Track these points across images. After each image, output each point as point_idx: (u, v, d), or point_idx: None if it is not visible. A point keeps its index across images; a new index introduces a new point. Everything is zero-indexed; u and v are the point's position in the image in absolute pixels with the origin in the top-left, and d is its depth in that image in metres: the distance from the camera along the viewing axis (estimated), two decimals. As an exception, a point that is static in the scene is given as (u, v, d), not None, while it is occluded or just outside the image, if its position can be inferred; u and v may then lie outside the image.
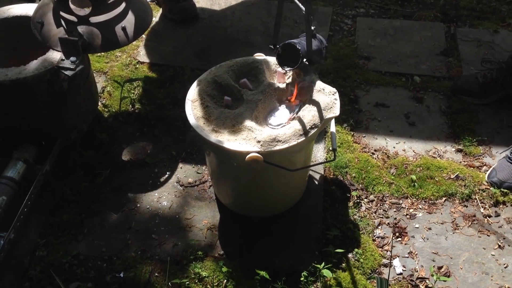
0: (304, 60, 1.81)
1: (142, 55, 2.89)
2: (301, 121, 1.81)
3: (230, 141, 1.77)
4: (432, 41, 2.95)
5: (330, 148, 2.36)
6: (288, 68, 1.83)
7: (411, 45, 2.93)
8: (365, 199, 2.20)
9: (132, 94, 2.64)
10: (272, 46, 1.88)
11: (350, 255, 2.00)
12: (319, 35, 1.96)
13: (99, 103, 2.56)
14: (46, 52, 2.08)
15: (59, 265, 1.98)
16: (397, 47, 2.92)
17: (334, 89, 1.93)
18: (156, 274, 1.95)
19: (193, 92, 1.94)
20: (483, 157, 2.35)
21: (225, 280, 1.91)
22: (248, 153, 1.73)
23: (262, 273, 1.88)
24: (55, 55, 2.06)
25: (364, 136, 2.47)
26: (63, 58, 2.03)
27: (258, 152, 1.73)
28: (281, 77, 1.97)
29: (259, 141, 1.75)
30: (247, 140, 1.77)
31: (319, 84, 1.93)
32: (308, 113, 1.83)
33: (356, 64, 2.82)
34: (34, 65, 2.02)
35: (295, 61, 1.80)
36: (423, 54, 2.87)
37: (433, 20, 3.12)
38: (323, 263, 1.90)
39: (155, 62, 2.85)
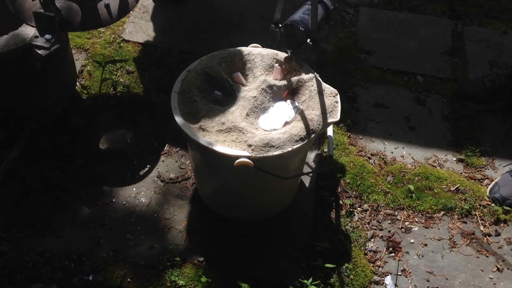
0: (308, 40, 1.65)
1: (128, 33, 2.67)
2: (297, 125, 1.64)
3: (218, 143, 1.60)
4: (437, 38, 2.78)
5: (325, 151, 2.20)
6: (290, 51, 1.68)
7: (415, 41, 2.76)
8: (359, 208, 2.05)
9: (115, 76, 2.43)
10: (273, 26, 1.70)
11: (339, 270, 1.85)
12: None
13: (77, 84, 2.35)
14: (18, 27, 1.86)
15: (22, 263, 1.81)
16: (400, 42, 2.75)
17: (335, 91, 1.76)
18: (129, 279, 1.79)
19: (180, 84, 1.75)
20: (485, 169, 2.22)
21: (203, 291, 1.76)
22: (238, 157, 1.56)
23: (244, 286, 1.73)
24: (28, 31, 1.85)
25: (361, 138, 2.31)
26: (37, 35, 1.81)
27: (248, 157, 1.56)
28: (278, 73, 1.79)
29: (250, 145, 1.58)
30: (237, 142, 1.60)
31: (319, 84, 1.76)
32: (306, 117, 1.66)
33: (357, 58, 2.64)
34: (3, 41, 1.81)
35: (298, 43, 1.63)
36: (427, 52, 2.70)
37: (440, 15, 2.94)
38: (310, 279, 1.76)
39: (141, 42, 2.63)
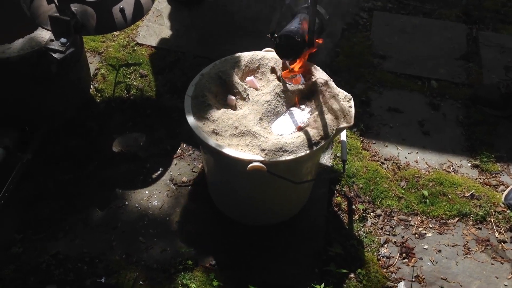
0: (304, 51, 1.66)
1: (142, 37, 2.69)
2: (311, 130, 1.63)
3: (231, 147, 1.60)
4: (452, 43, 2.76)
5: (338, 155, 2.19)
6: (287, 60, 1.68)
7: (429, 46, 2.74)
8: (372, 213, 2.04)
9: (128, 79, 2.45)
10: (269, 35, 1.69)
11: (352, 275, 1.84)
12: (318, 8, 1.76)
13: (91, 87, 2.37)
14: (34, 30, 1.88)
15: (35, 264, 1.82)
16: (414, 47, 2.73)
17: (349, 95, 1.75)
18: (141, 282, 1.79)
19: (194, 87, 1.76)
20: (500, 175, 2.19)
21: (215, 295, 1.76)
22: (251, 161, 1.56)
23: (256, 290, 1.72)
24: (43, 35, 1.87)
25: (374, 143, 2.29)
26: (53, 38, 1.83)
27: (261, 162, 1.55)
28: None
29: (263, 149, 1.58)
30: (250, 146, 1.60)
31: (333, 88, 1.75)
32: (319, 121, 1.65)
33: (370, 63, 2.63)
34: (19, 44, 1.83)
35: (295, 52, 1.63)
36: (442, 57, 2.68)
37: (455, 20, 2.92)
38: (323, 284, 1.75)
39: (154, 46, 2.65)
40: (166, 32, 2.72)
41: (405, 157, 2.24)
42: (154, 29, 2.74)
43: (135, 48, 2.63)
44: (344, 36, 2.78)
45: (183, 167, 2.14)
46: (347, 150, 2.21)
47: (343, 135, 1.86)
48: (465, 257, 1.92)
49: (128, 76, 2.47)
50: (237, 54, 1.86)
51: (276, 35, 1.64)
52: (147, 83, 2.46)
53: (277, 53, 1.68)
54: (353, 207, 2.05)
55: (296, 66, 1.74)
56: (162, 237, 1.93)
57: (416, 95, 2.49)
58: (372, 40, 2.76)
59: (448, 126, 2.36)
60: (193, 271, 1.82)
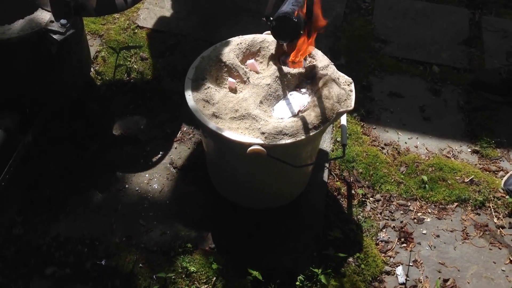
0: (301, 32, 1.63)
1: (142, 19, 2.67)
2: (311, 114, 1.63)
3: (231, 130, 1.60)
4: (454, 28, 2.74)
5: (338, 140, 2.19)
6: (285, 42, 1.66)
7: (432, 30, 2.72)
8: (371, 198, 2.04)
9: (129, 62, 2.44)
10: (264, 19, 1.66)
11: (350, 259, 1.85)
12: None
13: (92, 69, 2.36)
14: (34, 11, 1.87)
15: (36, 246, 1.83)
16: (417, 32, 2.71)
17: (350, 79, 1.75)
18: (141, 264, 1.81)
19: (194, 70, 1.75)
20: (500, 160, 2.19)
21: (214, 278, 1.77)
22: (250, 145, 1.56)
23: (255, 273, 1.74)
24: (43, 16, 1.85)
25: (375, 128, 2.29)
26: (53, 19, 1.82)
27: (261, 145, 1.55)
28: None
29: (263, 133, 1.58)
30: (250, 130, 1.60)
31: (334, 72, 1.75)
32: (320, 105, 1.65)
33: (372, 47, 2.62)
34: (19, 25, 1.81)
35: (292, 34, 1.61)
36: (444, 42, 2.66)
37: (458, 4, 2.89)
38: (321, 268, 1.76)
39: (155, 28, 2.63)
40: (167, 15, 2.71)
41: (405, 142, 2.24)
42: (155, 11, 2.72)
43: (136, 31, 2.61)
44: (346, 20, 2.77)
45: (183, 151, 2.15)
46: (347, 134, 2.21)
47: (343, 120, 1.86)
48: (463, 242, 1.93)
49: (129, 59, 2.46)
50: (238, 37, 1.85)
51: (271, 18, 1.61)
52: (147, 66, 2.45)
53: (274, 36, 1.66)
54: (353, 191, 2.05)
55: (304, 49, 1.73)
56: (162, 220, 1.94)
57: (417, 80, 2.49)
58: (374, 24, 2.74)
59: (449, 112, 2.35)
60: (193, 254, 1.84)
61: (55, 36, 1.79)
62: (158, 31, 2.62)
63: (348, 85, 1.72)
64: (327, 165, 2.10)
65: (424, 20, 2.78)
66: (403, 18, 2.79)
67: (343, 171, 2.10)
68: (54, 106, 2.06)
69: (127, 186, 2.03)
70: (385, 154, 2.19)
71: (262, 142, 1.56)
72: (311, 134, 1.59)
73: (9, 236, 1.85)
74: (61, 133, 2.13)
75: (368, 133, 2.27)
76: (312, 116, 1.62)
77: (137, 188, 2.02)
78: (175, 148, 2.16)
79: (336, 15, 2.77)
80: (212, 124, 1.61)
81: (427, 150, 2.21)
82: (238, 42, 1.82)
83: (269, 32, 1.86)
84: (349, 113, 2.27)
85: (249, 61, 1.79)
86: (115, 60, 2.38)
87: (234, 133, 1.59)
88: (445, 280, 1.83)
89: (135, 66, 2.43)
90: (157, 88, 2.36)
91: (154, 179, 2.05)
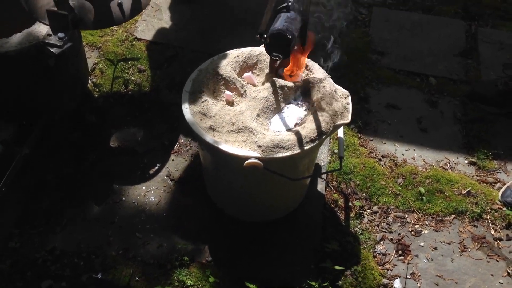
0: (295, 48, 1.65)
1: (140, 31, 2.68)
2: (308, 126, 1.63)
3: (228, 143, 1.60)
4: (451, 40, 2.76)
5: (336, 151, 2.19)
6: (278, 58, 1.66)
7: (428, 42, 2.74)
8: (368, 210, 2.04)
9: (126, 74, 2.44)
10: (258, 36, 1.66)
11: (348, 272, 1.85)
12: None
13: (90, 81, 2.37)
14: (32, 25, 1.88)
15: (32, 259, 1.83)
16: (413, 44, 2.73)
17: (346, 92, 1.75)
18: (137, 278, 1.80)
19: (191, 83, 1.76)
20: (497, 172, 2.19)
21: (211, 291, 1.76)
22: (247, 158, 1.56)
23: (252, 286, 1.73)
24: (41, 29, 1.86)
25: (372, 140, 2.29)
26: (50, 33, 1.83)
27: (258, 158, 1.56)
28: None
29: (260, 146, 1.58)
30: (247, 143, 1.60)
31: (331, 85, 1.75)
32: (317, 118, 1.65)
33: (369, 59, 2.63)
34: (17, 39, 1.82)
35: (285, 50, 1.61)
36: (440, 54, 2.68)
37: (454, 16, 2.91)
38: (319, 280, 1.76)
39: (153, 40, 2.64)
40: (165, 26, 2.72)
41: (403, 154, 2.24)
42: (153, 23, 2.73)
43: (134, 42, 2.62)
44: (343, 31, 2.77)
45: (180, 163, 2.15)
46: (345, 146, 2.22)
47: (340, 132, 1.86)
48: (460, 255, 1.93)
49: (127, 71, 2.46)
50: (235, 50, 1.85)
51: (265, 35, 1.62)
52: (145, 78, 2.46)
53: (268, 53, 1.67)
54: (350, 203, 2.05)
55: (300, 62, 1.74)
56: (158, 232, 1.93)
57: (414, 92, 2.50)
58: (371, 36, 2.76)
59: (446, 123, 2.36)
60: (189, 267, 1.83)
61: (52, 50, 1.80)
62: (156, 43, 2.63)
63: (345, 98, 1.73)
64: (324, 177, 2.10)
65: (421, 32, 2.79)
66: (400, 30, 2.80)
67: (340, 183, 2.10)
68: (51, 118, 2.07)
69: (124, 198, 2.02)
70: (382, 166, 2.19)
71: (259, 155, 1.56)
72: (308, 147, 1.59)
73: (6, 249, 1.84)
74: (58, 144, 2.13)
75: (365, 144, 2.27)
76: (309, 129, 1.62)
77: (134, 201, 2.02)
78: (172, 160, 2.16)
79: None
80: (209, 137, 1.61)
81: (424, 161, 2.22)
82: (235, 55, 1.82)
83: (266, 44, 1.88)
84: (346, 125, 2.27)
85: (246, 74, 1.79)
86: (112, 72, 2.39)
87: (231, 146, 1.59)
88: (443, 293, 1.83)
89: (132, 78, 2.44)
90: (155, 99, 2.37)
91: (151, 191, 2.05)
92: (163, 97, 2.38)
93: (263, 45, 1.67)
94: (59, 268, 1.81)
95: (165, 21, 2.75)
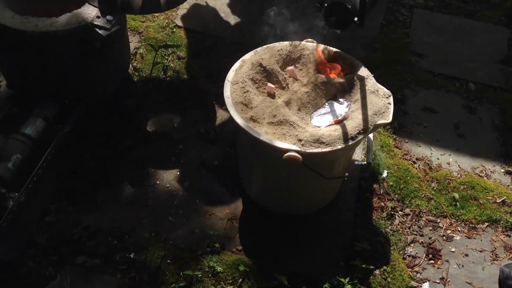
0: (355, 19, 1.59)
1: (181, 19, 2.71)
2: (348, 124, 1.64)
3: (268, 135, 1.61)
4: (493, 46, 2.72)
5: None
6: (338, 30, 1.65)
7: (470, 47, 2.70)
8: (400, 212, 2.03)
9: (166, 60, 2.47)
10: (318, 5, 1.63)
11: (377, 272, 1.85)
12: None
13: (130, 66, 2.40)
14: (81, 6, 1.91)
15: (68, 235, 1.87)
16: (454, 48, 2.69)
17: (388, 92, 1.75)
18: (169, 261, 1.83)
19: (234, 73, 1.77)
20: (534, 183, 2.16)
21: (241, 280, 1.78)
22: (287, 151, 1.57)
23: (282, 278, 1.74)
24: (90, 11, 1.89)
25: (407, 142, 2.28)
26: (99, 15, 1.86)
27: (298, 152, 1.56)
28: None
29: (300, 140, 1.59)
30: (287, 136, 1.61)
31: (373, 84, 1.75)
32: (358, 116, 1.65)
33: (408, 61, 2.61)
34: (66, 19, 1.86)
35: (345, 22, 1.59)
36: (481, 60, 2.64)
37: (497, 22, 2.87)
38: (348, 278, 1.76)
39: (193, 29, 2.66)
40: (205, 16, 2.74)
41: (438, 158, 2.23)
42: (194, 12, 2.75)
43: (174, 30, 2.65)
44: (383, 32, 2.76)
45: (215, 151, 2.17)
46: (379, 146, 2.21)
47: (370, 136, 1.85)
48: (492, 263, 1.91)
49: (166, 57, 2.49)
50: (278, 43, 1.86)
51: (326, 4, 1.59)
52: (184, 65, 2.48)
53: (326, 23, 1.63)
54: (382, 204, 2.04)
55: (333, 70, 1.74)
56: (191, 218, 1.96)
57: (453, 97, 2.47)
58: (411, 37, 2.73)
59: (484, 130, 2.33)
60: (220, 254, 1.85)
61: (100, 31, 1.83)
62: (196, 31, 2.65)
63: (387, 97, 1.72)
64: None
65: (462, 36, 2.76)
66: (441, 33, 2.77)
67: (374, 183, 2.10)
68: (92, 99, 2.10)
69: (158, 182, 2.05)
70: (416, 168, 2.17)
71: (298, 149, 1.57)
72: (348, 144, 1.60)
73: (42, 224, 1.89)
74: (96, 126, 2.16)
75: (400, 146, 2.26)
76: (349, 127, 1.62)
77: (168, 185, 2.05)
78: (207, 148, 2.18)
79: (373, 26, 2.77)
80: (250, 128, 1.62)
81: (460, 167, 2.20)
82: (279, 48, 1.83)
83: (309, 40, 1.88)
84: (387, 125, 2.26)
85: (289, 68, 1.80)
86: (153, 58, 2.42)
87: (272, 137, 1.60)
88: (472, 300, 1.82)
89: (171, 65, 2.47)
90: (192, 87, 2.39)
91: (185, 177, 2.07)
92: (200, 86, 2.40)
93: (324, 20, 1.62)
94: (93, 245, 1.84)
95: (206, 11, 2.77)
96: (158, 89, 2.37)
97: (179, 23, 2.69)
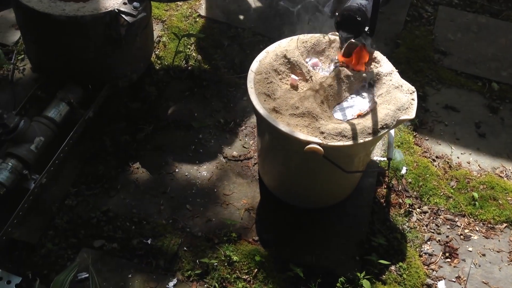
0: (366, 29, 1.62)
1: (204, 9, 2.71)
2: (371, 118, 1.63)
3: (290, 126, 1.61)
4: (518, 47, 2.68)
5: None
6: (348, 37, 1.65)
7: (494, 47, 2.67)
8: (418, 209, 2.03)
9: (188, 50, 2.48)
10: (330, 14, 1.65)
11: (392, 268, 1.84)
12: None
13: (153, 54, 2.41)
14: (108, -8, 1.93)
15: (87, 218, 1.89)
16: (478, 47, 2.66)
17: (412, 88, 1.74)
18: (185, 248, 1.84)
19: (258, 64, 1.77)
20: (554, 186, 2.14)
21: (256, 270, 1.79)
22: (309, 143, 1.57)
23: (297, 270, 1.75)
24: (117, -3, 1.91)
25: (427, 139, 2.27)
26: (126, 1, 1.87)
27: (319, 144, 1.56)
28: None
29: (322, 132, 1.59)
30: (309, 128, 1.61)
31: (397, 79, 1.74)
32: (381, 111, 1.65)
33: (431, 58, 2.59)
34: (93, 4, 1.87)
35: (355, 31, 1.60)
36: (506, 60, 2.61)
37: (523, 23, 2.83)
38: (363, 272, 1.76)
39: (216, 19, 2.66)
40: (228, 7, 2.74)
41: (458, 157, 2.21)
42: (217, 2, 2.75)
43: (197, 19, 2.65)
44: (406, 28, 2.74)
45: (234, 142, 2.17)
46: (399, 143, 2.20)
47: (391, 131, 1.85)
48: (509, 264, 1.90)
49: (188, 46, 2.50)
50: (303, 35, 1.86)
51: (337, 13, 1.61)
52: (205, 55, 2.49)
53: (337, 30, 1.66)
54: (400, 200, 2.04)
55: (356, 62, 1.73)
56: (208, 207, 1.97)
57: (475, 96, 2.45)
58: (435, 35, 2.71)
59: (505, 131, 2.31)
60: (236, 244, 1.86)
61: (126, 18, 1.85)
62: (219, 21, 2.66)
63: (411, 93, 1.71)
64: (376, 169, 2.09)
65: (487, 35, 2.72)
66: (466, 31, 2.74)
67: (392, 179, 2.09)
68: (115, 86, 2.12)
69: (177, 170, 2.07)
70: (435, 166, 2.16)
71: (320, 141, 1.57)
72: (369, 138, 1.59)
73: (62, 206, 1.91)
74: (118, 112, 2.18)
75: (420, 143, 2.24)
76: (372, 121, 1.62)
77: (186, 173, 2.06)
78: (227, 138, 2.18)
79: (397, 21, 2.75)
80: (273, 119, 1.63)
81: (480, 167, 2.18)
82: (303, 40, 1.83)
83: (334, 33, 1.88)
84: (410, 121, 2.25)
85: (313, 60, 1.80)
86: (175, 46, 2.43)
87: (294, 129, 1.60)
88: (488, 300, 1.81)
89: (193, 54, 2.47)
90: (213, 77, 2.39)
91: (204, 167, 2.09)
92: (221, 76, 2.40)
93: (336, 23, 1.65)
94: (111, 230, 1.87)
95: (229, 1, 2.77)
96: (179, 78, 2.38)
97: (202, 12, 2.69)
